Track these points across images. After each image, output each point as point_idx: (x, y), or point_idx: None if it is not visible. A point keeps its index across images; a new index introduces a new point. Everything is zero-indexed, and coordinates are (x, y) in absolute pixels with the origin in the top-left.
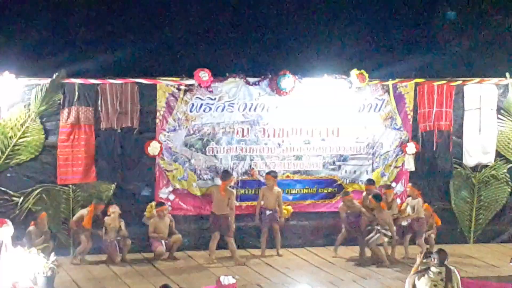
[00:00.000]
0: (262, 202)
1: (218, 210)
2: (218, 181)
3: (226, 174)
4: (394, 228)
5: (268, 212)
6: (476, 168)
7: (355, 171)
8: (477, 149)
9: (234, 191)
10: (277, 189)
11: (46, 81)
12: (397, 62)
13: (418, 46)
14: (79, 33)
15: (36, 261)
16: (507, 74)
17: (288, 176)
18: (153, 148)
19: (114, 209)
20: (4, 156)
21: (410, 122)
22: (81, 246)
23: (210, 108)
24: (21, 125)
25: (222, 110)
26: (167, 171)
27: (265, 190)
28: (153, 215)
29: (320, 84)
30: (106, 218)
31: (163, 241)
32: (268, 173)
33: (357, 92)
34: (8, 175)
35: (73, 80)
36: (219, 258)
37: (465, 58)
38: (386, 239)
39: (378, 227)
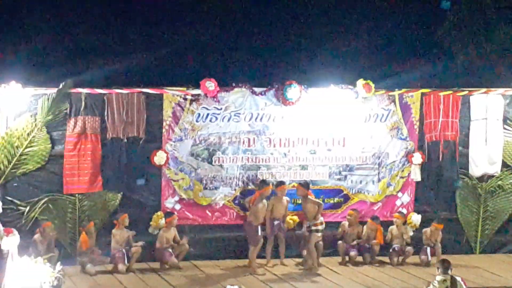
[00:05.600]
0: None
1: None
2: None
3: (260, 184)
4: None
5: (275, 222)
6: (482, 179)
7: (361, 181)
8: (483, 159)
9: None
10: (286, 198)
11: (52, 91)
12: (403, 72)
13: (424, 56)
14: (86, 43)
15: (42, 270)
16: None
17: (294, 186)
18: (159, 157)
19: (123, 220)
20: (10, 166)
21: (416, 132)
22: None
23: (216, 118)
24: (28, 134)
25: (228, 120)
26: (173, 180)
27: (275, 200)
28: (159, 225)
29: (326, 94)
30: (113, 230)
31: (171, 251)
32: (281, 184)
33: (363, 102)
34: (15, 184)
35: (79, 89)
36: (227, 267)
37: (471, 68)
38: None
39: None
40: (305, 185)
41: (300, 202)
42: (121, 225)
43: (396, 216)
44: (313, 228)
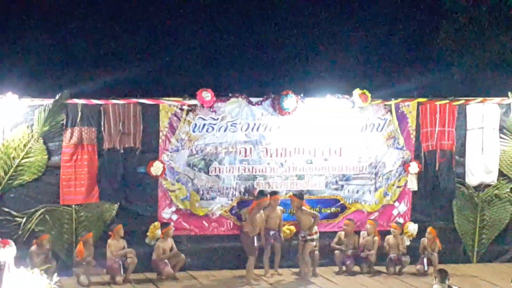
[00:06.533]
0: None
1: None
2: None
3: (257, 194)
4: None
5: (271, 232)
6: (479, 188)
7: (357, 191)
8: (480, 168)
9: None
10: (280, 208)
11: (49, 102)
12: (399, 81)
13: (420, 65)
14: (82, 54)
15: (39, 282)
16: (510, 94)
17: (290, 196)
18: (156, 168)
19: (118, 231)
20: (7, 177)
21: (413, 142)
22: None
23: (213, 128)
24: (24, 145)
25: (225, 130)
26: (170, 191)
27: (269, 211)
28: (156, 236)
29: (323, 104)
30: (109, 240)
31: (167, 262)
32: (274, 194)
33: (360, 111)
34: (11, 195)
35: (76, 100)
36: (224, 278)
37: (467, 77)
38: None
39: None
40: (299, 195)
41: (294, 212)
42: (116, 235)
43: (393, 226)
44: (308, 238)
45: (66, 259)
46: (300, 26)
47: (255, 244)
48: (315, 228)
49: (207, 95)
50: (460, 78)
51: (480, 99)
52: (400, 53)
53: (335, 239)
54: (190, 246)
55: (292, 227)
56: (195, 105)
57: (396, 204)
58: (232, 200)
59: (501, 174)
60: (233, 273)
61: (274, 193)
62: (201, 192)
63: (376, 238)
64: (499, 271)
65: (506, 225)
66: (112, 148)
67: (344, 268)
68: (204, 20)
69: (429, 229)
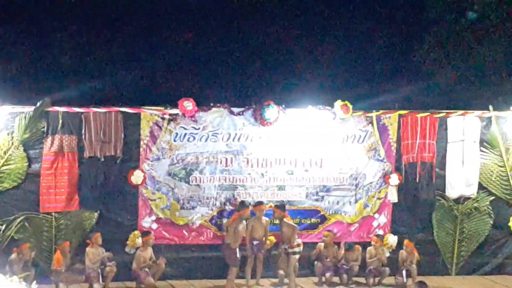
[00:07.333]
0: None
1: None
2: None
3: (239, 205)
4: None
5: (255, 242)
6: (458, 200)
7: (338, 202)
8: (460, 181)
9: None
10: (265, 219)
11: (29, 109)
12: (381, 93)
13: (402, 78)
14: (63, 62)
15: None
16: (490, 107)
17: (271, 206)
18: (136, 177)
19: (96, 239)
20: None
21: (394, 154)
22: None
23: (194, 138)
24: (4, 153)
25: (206, 139)
26: (150, 200)
27: (254, 221)
28: (136, 244)
29: (304, 115)
30: (87, 248)
31: (148, 271)
32: (259, 204)
33: (341, 123)
34: None
35: (57, 108)
36: (203, 287)
37: (448, 90)
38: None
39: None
40: (281, 207)
41: (276, 222)
42: (94, 244)
43: (374, 239)
44: (290, 251)
45: (45, 266)
46: (282, 37)
47: (238, 256)
48: (298, 240)
49: (188, 104)
50: (441, 91)
51: (461, 112)
52: (382, 65)
53: (315, 251)
54: (169, 255)
55: (272, 238)
56: (176, 115)
57: (376, 215)
58: (212, 209)
59: (480, 187)
60: (213, 283)
61: (259, 203)
62: (181, 201)
63: (360, 249)
64: (477, 284)
65: (485, 238)
66: (93, 156)
67: (324, 279)
68: (186, 30)
69: (405, 241)
